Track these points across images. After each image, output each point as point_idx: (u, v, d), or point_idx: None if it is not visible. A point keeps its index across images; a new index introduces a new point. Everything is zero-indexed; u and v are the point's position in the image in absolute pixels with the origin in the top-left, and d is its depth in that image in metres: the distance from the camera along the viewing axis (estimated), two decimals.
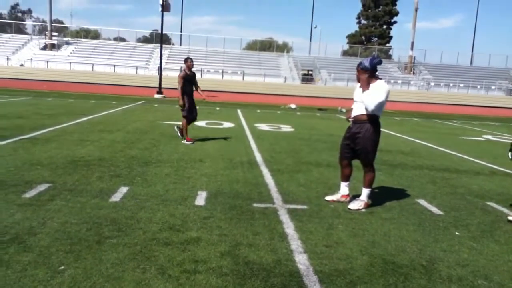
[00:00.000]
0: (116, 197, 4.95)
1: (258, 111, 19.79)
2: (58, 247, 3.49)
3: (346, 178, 5.30)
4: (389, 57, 57.55)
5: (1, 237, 3.61)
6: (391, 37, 67.28)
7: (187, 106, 9.18)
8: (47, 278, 2.97)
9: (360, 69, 4.88)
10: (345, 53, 57.16)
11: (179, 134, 9.52)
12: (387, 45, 65.21)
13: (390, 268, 3.44)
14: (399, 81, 43.88)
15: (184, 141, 9.19)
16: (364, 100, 4.82)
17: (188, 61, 9.06)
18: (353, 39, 66.98)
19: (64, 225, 3.98)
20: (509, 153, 5.03)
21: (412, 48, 47.05)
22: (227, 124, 13.25)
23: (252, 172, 6.73)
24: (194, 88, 9.32)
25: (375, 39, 66.83)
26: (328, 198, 5.31)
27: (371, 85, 4.86)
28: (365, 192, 5.11)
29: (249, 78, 41.02)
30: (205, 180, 6.01)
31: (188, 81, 9.08)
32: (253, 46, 57.70)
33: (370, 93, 4.80)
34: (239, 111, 18.57)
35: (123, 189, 5.28)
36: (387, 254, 3.74)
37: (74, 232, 3.85)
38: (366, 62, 4.88)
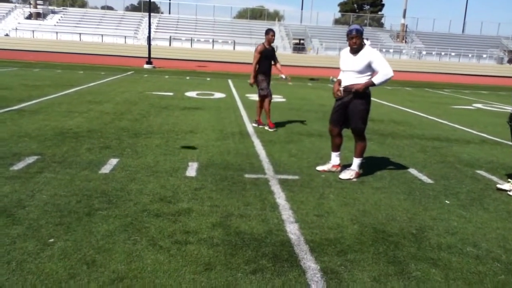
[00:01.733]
0: (106, 169, 4.90)
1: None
2: (48, 220, 3.46)
3: (337, 148, 5.29)
4: (381, 25, 56.99)
5: None
6: (383, 4, 66.44)
7: (265, 85, 7.82)
8: (36, 250, 2.95)
9: (360, 34, 4.79)
10: (337, 22, 56.44)
11: (256, 124, 8.13)
12: (379, 13, 64.45)
13: (380, 237, 3.47)
14: (391, 50, 43.58)
15: (267, 128, 7.84)
16: (379, 70, 4.76)
17: (270, 33, 7.72)
18: (345, 7, 66.03)
19: (54, 198, 3.94)
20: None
21: (404, 16, 46.54)
22: (218, 95, 13.12)
23: (243, 143, 6.69)
24: (272, 63, 7.99)
25: (367, 7, 65.93)
26: (319, 168, 5.31)
27: (363, 51, 4.81)
28: (356, 161, 5.11)
29: (240, 48, 40.44)
30: (196, 151, 5.97)
31: (266, 57, 7.77)
32: (243, 14, 56.72)
33: (372, 60, 4.75)
34: (230, 82, 18.38)
35: (113, 161, 5.23)
36: (377, 223, 3.76)
37: (64, 204, 3.81)
38: (359, 27, 4.83)
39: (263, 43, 7.77)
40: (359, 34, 4.78)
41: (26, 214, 3.55)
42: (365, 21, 53.93)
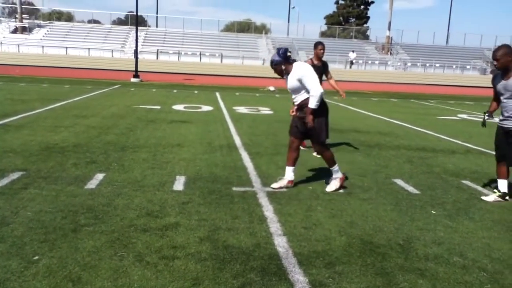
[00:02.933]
0: (92, 184, 4.85)
1: (237, 93, 19.66)
2: (32, 237, 3.41)
3: (293, 162, 5.11)
4: (366, 37, 57.74)
5: None
6: (368, 17, 67.46)
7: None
8: (20, 269, 2.90)
9: (274, 66, 4.88)
10: (323, 34, 57.07)
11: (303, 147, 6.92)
12: (365, 25, 65.39)
13: (368, 248, 3.48)
14: (377, 62, 44.14)
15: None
16: (309, 89, 4.79)
17: (319, 47, 6.75)
18: (331, 19, 66.87)
19: (39, 214, 3.89)
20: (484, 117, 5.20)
21: (389, 29, 47.23)
22: (205, 108, 13.13)
23: (231, 155, 6.69)
24: (324, 78, 7.08)
25: (353, 19, 66.88)
26: (274, 185, 5.03)
27: (292, 71, 4.84)
28: (333, 171, 5.06)
29: (228, 61, 40.60)
30: (183, 165, 5.95)
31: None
32: (231, 27, 57.05)
33: (300, 77, 4.77)
34: (217, 94, 18.42)
35: (99, 176, 5.18)
36: (365, 234, 3.78)
37: (49, 220, 3.76)
38: (275, 57, 4.87)
39: (310, 59, 6.84)
40: (275, 65, 4.85)
41: (10, 231, 3.49)
42: (351, 33, 54.65)
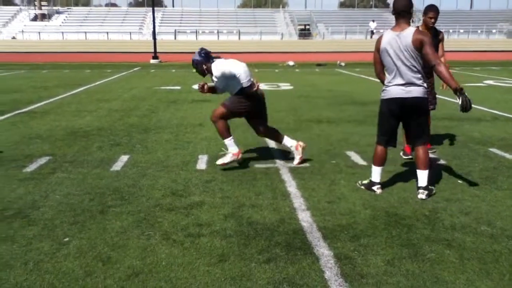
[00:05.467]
0: (117, 166, 4.94)
1: (256, 70, 19.52)
2: (62, 219, 3.51)
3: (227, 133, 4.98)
4: (387, 5, 56.11)
5: (5, 212, 3.62)
6: None
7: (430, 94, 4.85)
8: (52, 250, 3.00)
9: (195, 65, 4.88)
10: (342, 5, 55.80)
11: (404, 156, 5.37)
12: None
13: (393, 220, 3.45)
14: None
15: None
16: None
17: (430, 14, 5.07)
18: None
19: (67, 197, 3.99)
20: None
21: None
22: None
23: (252, 133, 6.67)
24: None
25: None
26: (219, 162, 4.86)
27: (213, 71, 4.77)
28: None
29: (245, 37, 40.25)
30: (205, 144, 5.98)
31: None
32: (247, 3, 56.31)
33: (223, 76, 4.73)
34: None
35: (124, 158, 5.27)
36: (389, 206, 3.75)
37: (77, 203, 3.86)
38: (196, 56, 4.86)
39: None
40: (197, 63, 4.83)
41: (41, 214, 3.60)
42: (370, 2, 53.22)
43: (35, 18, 44.22)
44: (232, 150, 4.88)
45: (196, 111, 8.59)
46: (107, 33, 39.80)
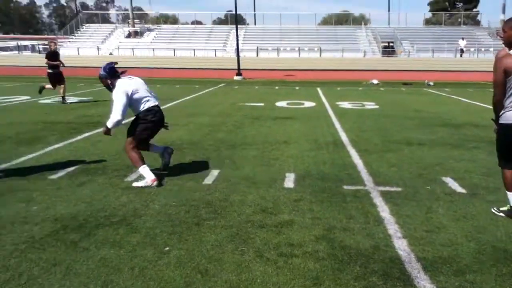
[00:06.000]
0: (209, 180, 5.12)
1: (339, 88, 19.34)
2: (162, 229, 3.70)
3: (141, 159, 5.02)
4: (477, 23, 53.01)
5: (112, 218, 3.90)
6: (478, 0, 61.80)
7: None
8: (155, 258, 3.17)
9: (100, 79, 5.09)
10: (428, 22, 53.66)
11: None
12: (474, 10, 60.05)
13: (502, 257, 3.19)
14: (491, 49, 40.27)
15: None
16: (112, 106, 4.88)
17: None
18: (435, 6, 62.61)
19: (165, 207, 4.21)
20: None
21: (503, 11, 42.81)
22: (308, 104, 13.11)
23: (338, 152, 6.60)
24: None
25: (460, 4, 61.86)
26: (135, 184, 4.90)
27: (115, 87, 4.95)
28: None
29: (327, 54, 40.09)
30: (292, 162, 6.01)
31: None
32: (328, 20, 56.22)
33: (112, 96, 4.92)
34: (318, 89, 18.28)
35: (214, 172, 5.45)
36: (496, 240, 3.48)
37: (174, 214, 4.05)
38: (101, 71, 5.03)
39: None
40: (101, 78, 5.04)
41: (143, 223, 3.83)
42: (459, 19, 50.62)
43: (129, 35, 47.68)
44: (149, 177, 4.89)
45: (280, 128, 8.68)
46: (194, 50, 41.77)
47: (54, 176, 5.19)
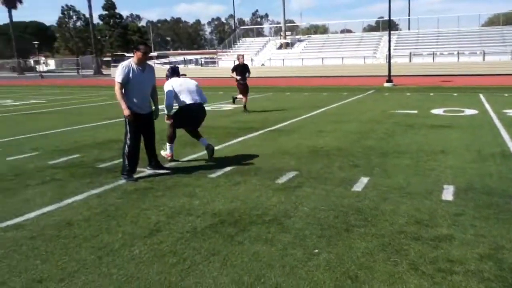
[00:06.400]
0: (358, 187, 5.01)
1: (506, 95, 17.17)
2: (311, 231, 3.74)
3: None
4: None
5: (264, 217, 4.09)
6: None
7: None
8: (304, 259, 3.22)
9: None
10: None
11: None
12: None
13: None
14: None
15: None
16: None
17: None
18: None
19: (314, 211, 4.25)
20: None
21: None
22: (469, 111, 11.93)
23: (507, 165, 5.86)
24: None
25: None
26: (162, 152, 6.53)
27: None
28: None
29: (491, 58, 36.01)
30: (450, 173, 5.53)
31: None
32: (494, 21, 50.42)
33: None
34: (481, 96, 16.50)
35: (364, 179, 5.32)
36: None
37: (323, 218, 4.06)
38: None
39: None
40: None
41: (292, 224, 3.93)
42: None
43: (280, 47, 49.71)
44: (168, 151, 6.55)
45: (437, 137, 8.06)
46: (342, 58, 41.57)
47: (213, 175, 5.66)
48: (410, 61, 38.38)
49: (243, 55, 13.63)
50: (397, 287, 2.79)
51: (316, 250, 3.36)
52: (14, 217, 4.21)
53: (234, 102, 14.33)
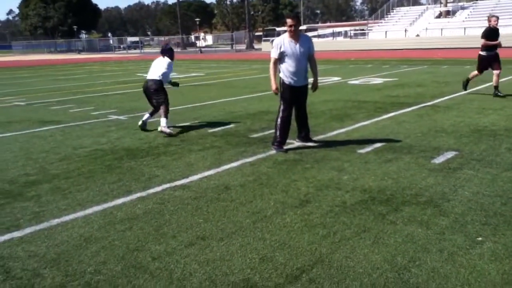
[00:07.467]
0: None
1: None
2: (473, 217, 3.42)
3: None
4: None
5: (418, 198, 3.87)
6: None
7: None
8: (465, 246, 2.96)
9: None
10: None
11: None
12: None
13: None
14: None
15: None
16: None
17: None
18: None
19: (476, 196, 3.87)
20: None
21: None
22: None
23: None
24: None
25: None
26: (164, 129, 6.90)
27: None
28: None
29: None
30: None
31: None
32: None
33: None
34: None
35: None
36: None
37: (487, 204, 3.67)
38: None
39: None
40: None
41: (451, 208, 3.63)
42: None
43: (439, 15, 45.46)
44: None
45: None
46: None
47: (362, 151, 5.53)
48: None
49: (497, 16, 10.17)
50: None
51: (480, 238, 3.06)
52: (181, 178, 4.72)
53: (465, 88, 10.21)
